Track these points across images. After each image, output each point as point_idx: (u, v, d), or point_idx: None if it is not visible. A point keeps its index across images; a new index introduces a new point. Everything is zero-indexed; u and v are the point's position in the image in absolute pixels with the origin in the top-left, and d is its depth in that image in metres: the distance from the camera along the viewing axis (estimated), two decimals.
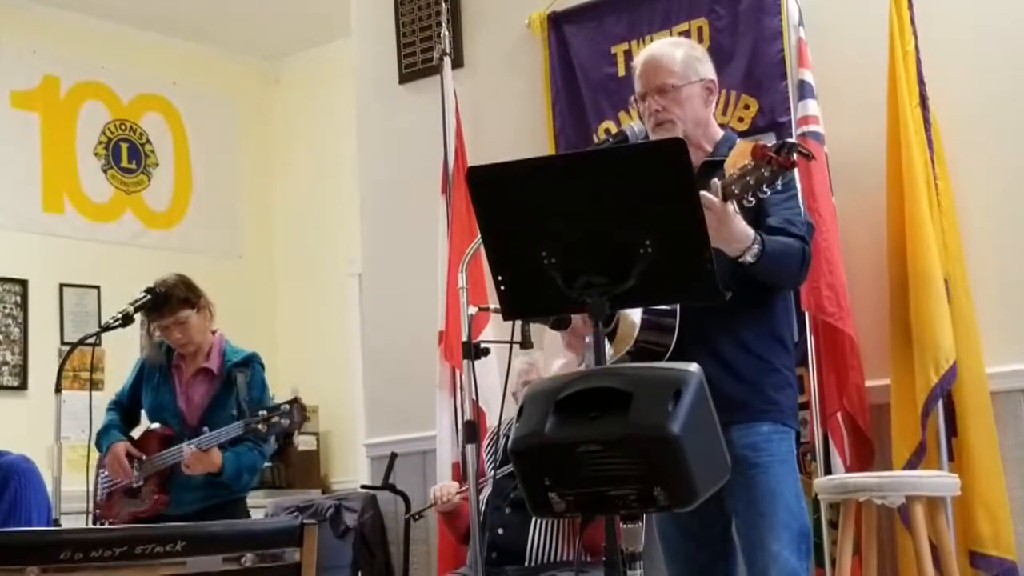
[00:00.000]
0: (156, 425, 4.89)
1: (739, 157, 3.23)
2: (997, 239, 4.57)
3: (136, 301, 4.82)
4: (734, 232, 3.12)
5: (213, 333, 4.94)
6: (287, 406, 4.55)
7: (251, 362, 4.89)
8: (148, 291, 4.83)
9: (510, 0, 5.84)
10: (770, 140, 4.70)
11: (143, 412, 5.04)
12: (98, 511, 4.99)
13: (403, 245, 6.14)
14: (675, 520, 3.48)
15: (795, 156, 2.99)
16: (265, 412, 4.56)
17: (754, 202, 3.06)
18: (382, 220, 6.28)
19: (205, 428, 4.70)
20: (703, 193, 3.02)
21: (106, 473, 4.97)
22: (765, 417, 3.38)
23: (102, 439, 4.96)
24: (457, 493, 4.88)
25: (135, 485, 4.84)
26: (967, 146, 4.61)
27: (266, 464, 7.91)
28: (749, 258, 3.16)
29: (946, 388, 4.36)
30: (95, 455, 5.02)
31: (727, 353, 3.35)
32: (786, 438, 3.42)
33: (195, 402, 4.86)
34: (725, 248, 3.11)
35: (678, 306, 3.28)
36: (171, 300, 4.80)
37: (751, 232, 3.16)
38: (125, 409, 5.02)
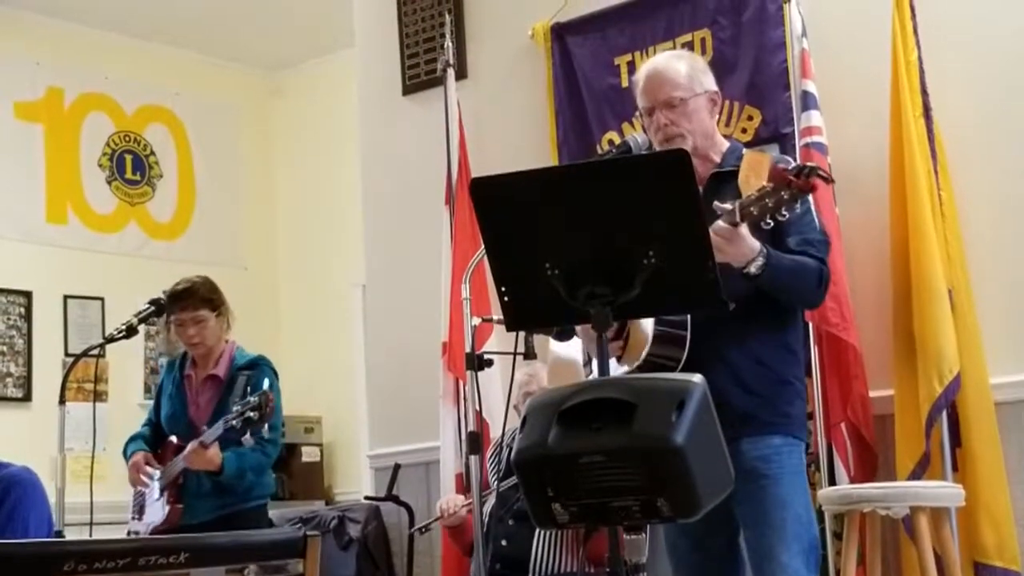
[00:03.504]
0: (172, 438, 4.90)
1: (748, 168, 3.22)
2: (1000, 249, 4.57)
3: (140, 312, 4.82)
4: (743, 250, 3.13)
5: (227, 342, 4.95)
6: (254, 399, 4.53)
7: (257, 364, 4.88)
8: (153, 301, 4.84)
9: (513, 11, 5.85)
10: (773, 151, 4.73)
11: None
12: (130, 530, 5.00)
13: (406, 256, 6.14)
14: (684, 530, 3.47)
15: (814, 179, 2.99)
16: (238, 408, 4.55)
17: (772, 224, 3.06)
18: (385, 231, 6.29)
19: (204, 427, 4.70)
20: (718, 223, 3.02)
21: (136, 489, 4.99)
22: (776, 430, 3.36)
23: (126, 449, 5.00)
24: (463, 506, 4.87)
25: (156, 497, 4.85)
26: (970, 156, 4.61)
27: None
28: (753, 269, 3.16)
29: (950, 398, 4.36)
30: (99, 466, 5.02)
31: (740, 366, 3.34)
32: (796, 450, 3.41)
33: (203, 408, 4.87)
34: (731, 262, 3.11)
35: (689, 319, 3.27)
36: (194, 296, 4.83)
37: (757, 245, 3.16)
38: (155, 425, 5.04)
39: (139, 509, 4.97)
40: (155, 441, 5.00)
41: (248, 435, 4.54)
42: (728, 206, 3.07)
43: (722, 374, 3.20)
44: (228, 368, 4.88)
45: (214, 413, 4.80)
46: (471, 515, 4.85)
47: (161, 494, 4.83)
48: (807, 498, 3.42)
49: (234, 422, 4.50)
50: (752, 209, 3.04)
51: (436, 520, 5.00)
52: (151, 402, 5.27)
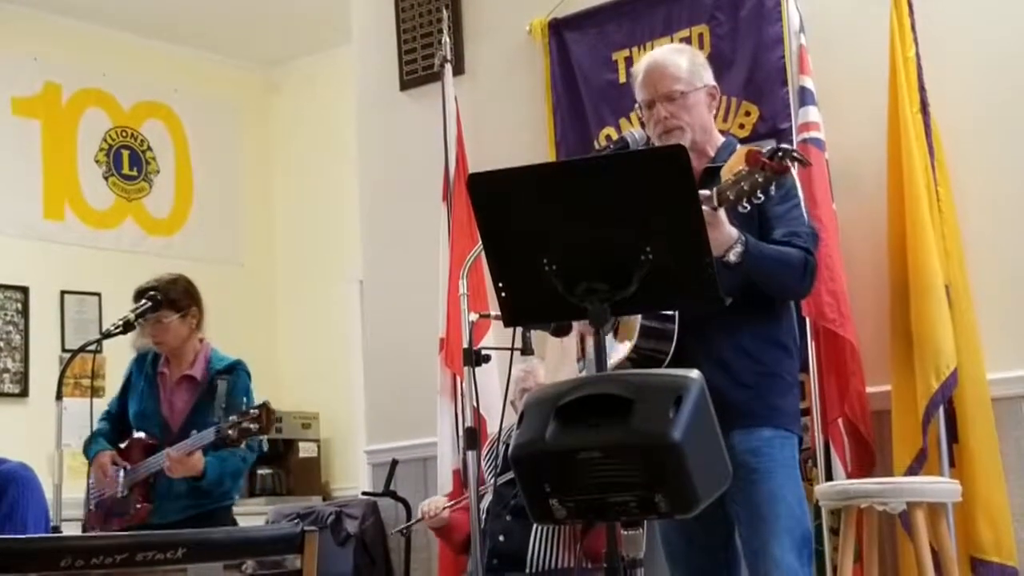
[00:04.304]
0: (141, 434, 4.87)
1: (737, 163, 3.24)
2: (998, 244, 4.57)
3: (137, 308, 4.81)
4: (721, 237, 3.13)
5: (201, 341, 4.93)
6: (255, 411, 4.52)
7: (235, 369, 4.85)
8: (146, 293, 4.82)
9: (511, 7, 5.85)
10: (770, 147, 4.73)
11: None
12: (86, 523, 4.96)
13: (404, 252, 6.14)
14: (678, 526, 3.48)
15: (788, 161, 2.99)
16: (235, 418, 4.54)
17: (749, 208, 3.07)
18: (383, 227, 6.29)
19: (194, 431, 4.68)
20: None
21: (93, 484, 4.94)
22: (766, 422, 3.37)
23: (88, 448, 4.93)
24: (445, 508, 4.87)
25: (120, 495, 4.81)
26: (968, 152, 4.62)
27: (267, 471, 7.99)
28: (732, 257, 3.16)
29: (947, 394, 4.36)
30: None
31: (729, 359, 3.35)
32: (788, 443, 3.42)
33: (178, 409, 4.84)
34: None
35: (677, 313, 3.28)
36: (156, 294, 4.80)
37: (735, 232, 3.17)
38: (115, 419, 5.00)
39: (97, 502, 4.91)
40: (115, 437, 4.97)
41: (243, 445, 4.57)
42: (706, 192, 3.07)
43: (711, 367, 3.19)
44: (205, 370, 4.85)
45: (191, 414, 4.78)
46: (453, 515, 4.87)
47: (128, 492, 4.80)
48: (800, 491, 3.42)
49: (230, 432, 4.49)
50: (728, 193, 3.05)
51: (417, 522, 5.00)
52: None
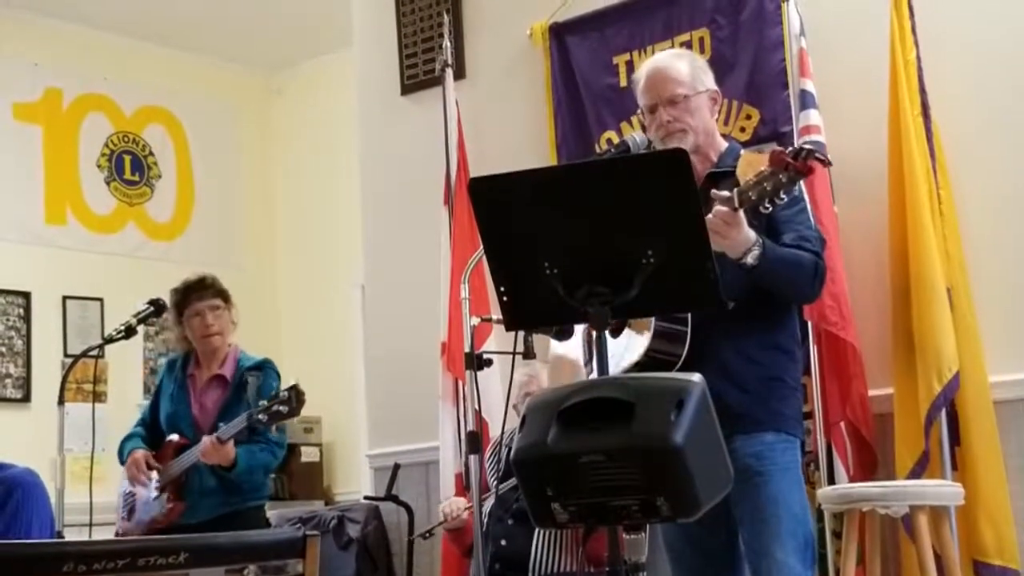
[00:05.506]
0: (173, 436, 4.90)
1: (746, 168, 3.23)
2: (999, 247, 4.57)
3: (139, 313, 4.83)
4: (740, 239, 3.13)
5: (229, 345, 4.97)
6: (285, 393, 4.56)
7: (263, 367, 4.92)
8: (152, 302, 4.85)
9: (512, 11, 5.85)
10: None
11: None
12: (120, 531, 4.98)
13: (405, 256, 6.14)
14: (680, 529, 3.48)
15: (811, 161, 2.99)
16: (265, 402, 4.57)
17: (771, 208, 3.06)
18: (384, 231, 6.29)
19: (221, 424, 4.71)
20: (718, 207, 3.02)
21: (125, 490, 4.96)
22: (769, 427, 3.37)
23: (123, 448, 4.97)
24: (465, 509, 4.87)
25: (153, 496, 4.84)
26: (969, 155, 4.62)
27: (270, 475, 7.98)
28: (750, 260, 3.16)
29: (949, 397, 4.36)
30: (98, 467, 5.00)
31: (731, 365, 3.35)
32: (790, 447, 3.42)
33: (208, 408, 4.88)
34: (728, 252, 3.11)
35: (689, 316, 3.27)
36: (211, 287, 4.89)
37: (753, 235, 3.17)
38: (149, 426, 5.04)
39: (129, 510, 4.94)
40: (151, 441, 4.99)
41: (274, 428, 4.63)
42: (726, 193, 3.07)
43: (714, 372, 3.19)
44: (234, 369, 4.90)
45: (221, 413, 4.81)
46: (470, 515, 4.86)
47: (160, 493, 4.83)
48: (802, 494, 3.43)
49: (260, 416, 4.53)
50: (751, 194, 3.04)
51: (440, 524, 5.01)
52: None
